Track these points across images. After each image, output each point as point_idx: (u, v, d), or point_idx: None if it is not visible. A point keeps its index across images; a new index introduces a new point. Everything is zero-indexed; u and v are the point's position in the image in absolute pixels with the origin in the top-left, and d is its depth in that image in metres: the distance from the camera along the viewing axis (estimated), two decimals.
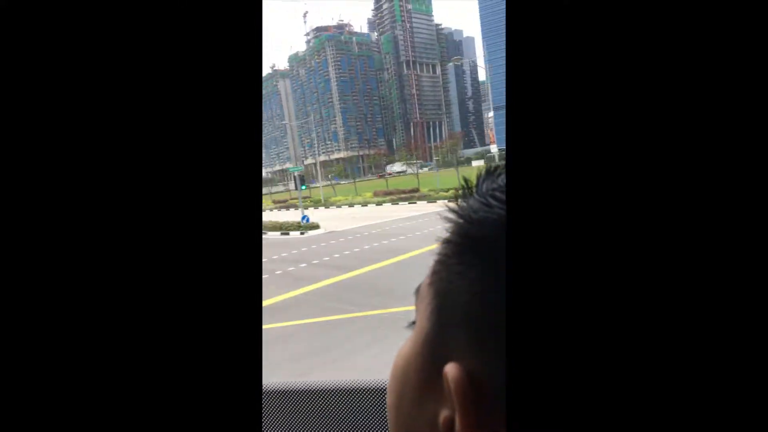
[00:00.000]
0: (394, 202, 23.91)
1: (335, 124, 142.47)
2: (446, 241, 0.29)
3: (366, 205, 25.17)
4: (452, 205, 0.29)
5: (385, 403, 0.87)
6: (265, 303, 6.85)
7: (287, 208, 33.84)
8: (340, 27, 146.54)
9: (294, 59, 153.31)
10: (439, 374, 0.26)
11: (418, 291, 0.31)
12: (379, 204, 24.73)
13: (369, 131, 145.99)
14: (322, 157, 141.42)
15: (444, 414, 0.26)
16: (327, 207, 27.41)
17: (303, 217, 16.42)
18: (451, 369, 0.25)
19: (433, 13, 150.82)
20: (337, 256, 10.16)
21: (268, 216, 27.67)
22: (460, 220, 0.28)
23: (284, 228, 16.53)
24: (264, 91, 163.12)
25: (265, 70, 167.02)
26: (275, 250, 12.26)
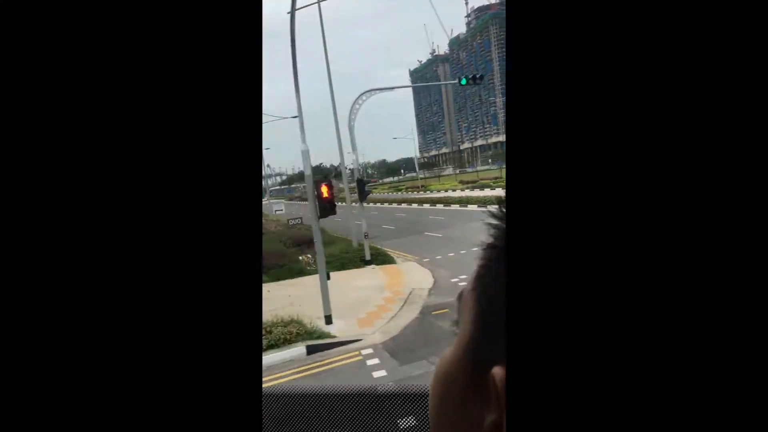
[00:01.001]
0: None
1: (495, 106, 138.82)
2: (490, 247, 0.29)
3: None
4: (495, 210, 0.29)
5: (396, 409, 0.88)
6: None
7: (480, 188, 33.63)
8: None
9: (454, 43, 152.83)
10: (484, 379, 0.26)
11: (460, 297, 0.31)
12: None
13: None
14: (479, 141, 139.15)
15: (491, 418, 0.26)
16: None
17: None
18: (499, 371, 0.25)
19: None
20: None
21: (470, 194, 28.25)
22: (504, 225, 0.28)
23: None
24: (424, 78, 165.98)
25: (425, 57, 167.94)
26: None
